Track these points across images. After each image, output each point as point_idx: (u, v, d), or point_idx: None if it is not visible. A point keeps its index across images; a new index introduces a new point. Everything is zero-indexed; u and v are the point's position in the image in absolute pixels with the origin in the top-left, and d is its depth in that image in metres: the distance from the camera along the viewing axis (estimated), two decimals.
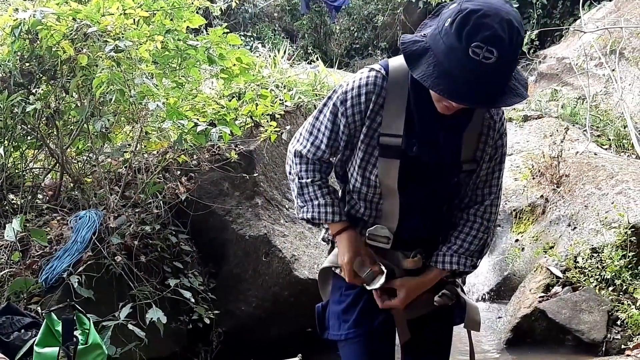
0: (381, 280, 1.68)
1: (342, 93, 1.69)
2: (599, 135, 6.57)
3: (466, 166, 1.69)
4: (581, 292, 4.06)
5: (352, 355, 1.76)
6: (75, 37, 3.36)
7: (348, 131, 1.69)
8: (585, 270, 4.17)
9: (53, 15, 3.30)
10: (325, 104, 1.74)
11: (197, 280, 3.60)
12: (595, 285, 4.06)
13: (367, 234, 1.73)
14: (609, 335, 3.89)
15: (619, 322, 3.90)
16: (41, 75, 3.56)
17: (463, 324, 1.81)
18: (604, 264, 4.06)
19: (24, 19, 3.25)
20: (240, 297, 3.80)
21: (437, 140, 1.63)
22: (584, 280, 4.11)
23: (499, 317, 4.63)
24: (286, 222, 3.97)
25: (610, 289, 4.00)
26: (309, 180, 1.76)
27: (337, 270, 1.80)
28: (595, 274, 4.08)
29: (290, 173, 1.82)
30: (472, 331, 1.86)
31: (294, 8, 14.09)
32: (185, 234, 3.74)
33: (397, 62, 1.64)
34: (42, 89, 3.63)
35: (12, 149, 3.61)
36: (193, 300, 3.44)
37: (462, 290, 1.84)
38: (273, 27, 13.72)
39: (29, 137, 3.68)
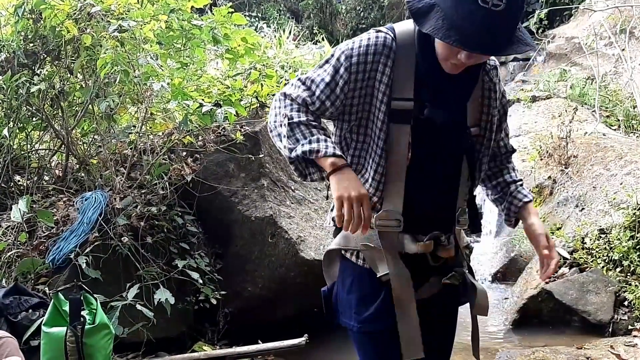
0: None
1: (347, 49, 1.60)
2: (608, 116, 6.51)
3: (474, 130, 1.68)
4: (588, 273, 4.05)
5: (369, 348, 1.70)
6: (79, 16, 3.34)
7: (347, 89, 1.58)
8: (592, 252, 4.15)
9: None
10: (326, 61, 1.63)
11: (203, 261, 3.61)
12: (603, 267, 4.05)
13: (375, 220, 1.61)
14: (615, 316, 3.88)
15: (626, 303, 3.89)
16: (45, 56, 3.54)
17: (471, 310, 1.75)
18: (611, 245, 4.04)
19: None
20: (246, 278, 3.81)
21: (448, 101, 1.61)
22: (592, 261, 4.10)
23: (506, 298, 4.63)
24: (292, 203, 3.96)
25: (618, 270, 3.99)
26: (301, 119, 1.58)
27: (348, 254, 1.71)
28: (603, 255, 4.07)
29: (275, 117, 1.63)
30: (485, 316, 1.79)
31: None
32: (191, 215, 3.73)
33: (403, 26, 1.62)
34: (46, 70, 3.62)
35: (17, 130, 3.61)
36: (200, 281, 3.45)
37: (471, 272, 1.80)
38: (278, 7, 13.61)
39: (34, 119, 3.68)
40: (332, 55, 1.62)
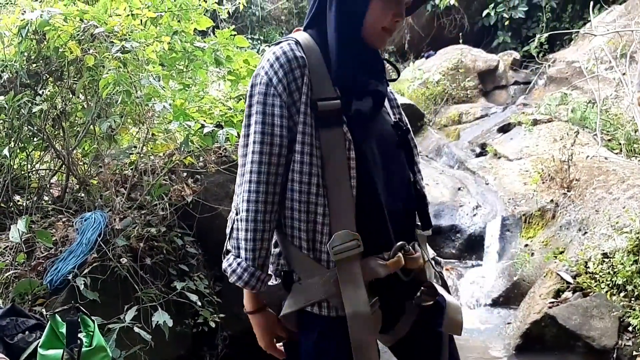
0: None
1: (260, 79, 1.47)
2: (609, 140, 6.51)
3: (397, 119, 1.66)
4: (592, 298, 4.01)
5: None
6: (83, 37, 3.35)
7: (289, 122, 1.45)
8: (596, 276, 4.11)
9: (60, 16, 3.28)
10: (247, 124, 1.49)
11: (202, 284, 3.57)
12: (607, 291, 4.01)
13: (330, 248, 1.42)
14: (620, 341, 3.82)
15: (630, 329, 3.84)
16: (48, 76, 3.55)
17: (442, 327, 1.55)
18: (615, 270, 4.00)
19: (31, 19, 3.24)
20: None
21: (370, 89, 1.54)
22: (595, 286, 4.05)
23: (508, 323, 4.58)
24: None
25: (622, 294, 3.94)
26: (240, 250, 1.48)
27: (309, 308, 1.48)
28: (607, 280, 4.02)
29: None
30: (458, 335, 1.59)
31: (301, 11, 14.11)
32: (191, 236, 3.71)
33: (299, 36, 1.54)
34: (48, 90, 3.62)
35: (18, 150, 3.60)
36: (199, 303, 3.41)
37: (446, 285, 1.64)
38: (280, 30, 13.74)
39: (35, 138, 3.67)
40: (250, 107, 1.49)
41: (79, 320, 2.59)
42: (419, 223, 1.62)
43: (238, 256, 1.49)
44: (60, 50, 3.36)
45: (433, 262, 1.66)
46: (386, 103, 1.65)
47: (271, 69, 1.46)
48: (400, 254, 1.48)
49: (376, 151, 1.51)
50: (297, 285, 1.49)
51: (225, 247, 1.56)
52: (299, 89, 1.46)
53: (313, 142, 1.45)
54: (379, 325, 1.49)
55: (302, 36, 1.54)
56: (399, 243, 1.48)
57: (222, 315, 3.57)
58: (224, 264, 1.53)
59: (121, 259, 3.25)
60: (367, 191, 1.46)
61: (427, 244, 1.65)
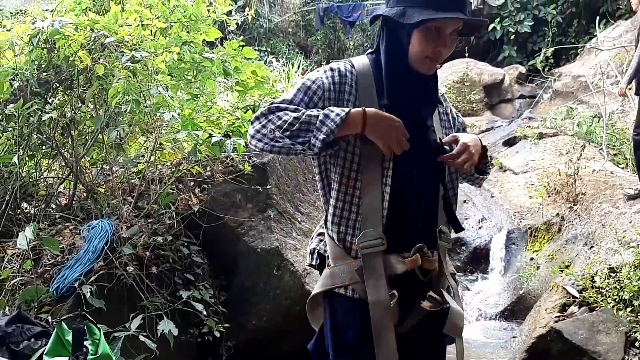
0: None
1: (314, 77, 1.69)
2: (615, 154, 6.50)
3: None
4: (598, 313, 3.98)
5: None
6: (93, 47, 3.38)
7: (322, 105, 1.64)
8: (602, 290, 4.09)
9: (71, 25, 3.32)
10: (296, 89, 1.68)
11: (207, 293, 3.57)
12: (613, 306, 3.98)
13: (358, 244, 1.63)
14: (626, 357, 3.79)
15: (637, 344, 3.81)
16: (58, 85, 3.58)
17: (444, 329, 1.72)
18: (621, 284, 3.98)
19: (42, 28, 3.28)
20: (251, 311, 3.76)
21: (414, 113, 1.70)
22: (601, 301, 4.03)
23: (514, 337, 4.55)
24: (298, 235, 3.94)
25: (629, 309, 3.91)
26: (297, 113, 1.56)
27: (337, 290, 1.67)
28: (613, 294, 4.00)
29: (265, 134, 1.57)
30: (458, 337, 1.76)
31: (308, 24, 14.20)
32: (197, 245, 3.71)
33: (357, 59, 1.75)
34: (58, 99, 3.65)
35: (27, 158, 3.62)
36: (204, 312, 3.41)
37: (457, 295, 1.78)
38: (287, 42, 13.82)
39: (44, 147, 3.69)
40: (301, 83, 1.69)
41: (85, 327, 2.59)
42: (445, 232, 1.76)
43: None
44: (70, 59, 3.39)
45: (453, 277, 1.81)
46: (436, 122, 1.80)
47: (324, 73, 1.69)
48: (418, 255, 1.65)
49: (413, 167, 1.68)
50: (326, 270, 1.71)
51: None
52: (346, 98, 1.66)
53: (355, 151, 1.65)
54: (397, 316, 1.66)
55: (360, 59, 1.75)
56: (418, 245, 1.66)
57: (227, 325, 3.56)
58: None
59: (127, 267, 3.26)
60: (398, 200, 1.65)
61: (447, 257, 1.80)
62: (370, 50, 1.79)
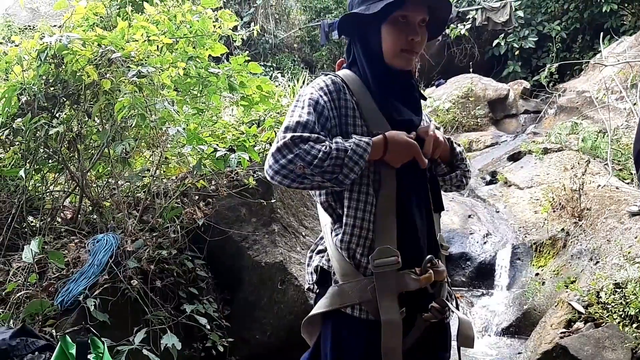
0: None
1: (309, 92, 1.61)
2: (620, 169, 6.49)
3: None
4: (604, 329, 3.95)
5: None
6: (100, 62, 3.42)
7: (324, 119, 1.58)
8: (608, 306, 4.06)
9: (79, 41, 3.36)
10: (294, 106, 1.60)
11: (212, 307, 3.57)
12: (619, 322, 3.95)
13: (372, 261, 1.56)
14: None
15: None
16: (65, 99, 3.61)
17: (456, 341, 1.67)
18: (627, 300, 3.95)
19: (51, 43, 3.32)
20: (255, 325, 3.76)
21: (405, 118, 1.68)
22: (607, 316, 4.00)
23: (519, 353, 4.52)
24: (302, 249, 3.94)
25: (635, 325, 3.88)
26: (324, 147, 1.48)
27: (347, 310, 1.58)
28: (619, 310, 3.97)
29: (292, 169, 1.47)
30: (471, 348, 1.72)
31: (313, 39, 14.29)
32: (201, 259, 3.72)
33: (341, 72, 1.72)
34: (65, 113, 3.68)
35: (33, 172, 3.65)
36: (208, 327, 3.41)
37: (457, 306, 1.75)
38: (292, 57, 13.91)
39: (50, 160, 3.72)
40: (298, 101, 1.61)
41: (89, 341, 2.59)
42: (443, 240, 1.77)
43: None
44: (77, 74, 3.43)
45: (448, 284, 1.78)
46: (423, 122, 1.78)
47: (320, 91, 1.62)
48: (431, 271, 1.61)
49: (414, 178, 1.66)
50: (334, 288, 1.62)
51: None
52: (350, 114, 1.62)
53: (369, 167, 1.59)
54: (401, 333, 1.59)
55: (343, 72, 1.71)
56: (428, 257, 1.62)
57: (230, 339, 3.56)
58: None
59: (132, 281, 3.26)
60: (406, 213, 1.62)
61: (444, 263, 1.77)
62: (344, 65, 1.76)
